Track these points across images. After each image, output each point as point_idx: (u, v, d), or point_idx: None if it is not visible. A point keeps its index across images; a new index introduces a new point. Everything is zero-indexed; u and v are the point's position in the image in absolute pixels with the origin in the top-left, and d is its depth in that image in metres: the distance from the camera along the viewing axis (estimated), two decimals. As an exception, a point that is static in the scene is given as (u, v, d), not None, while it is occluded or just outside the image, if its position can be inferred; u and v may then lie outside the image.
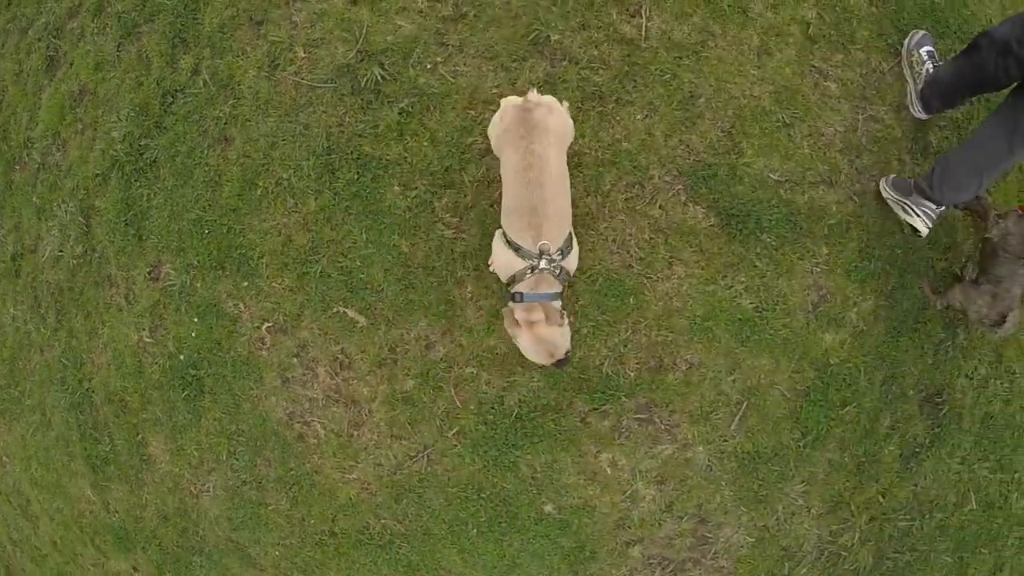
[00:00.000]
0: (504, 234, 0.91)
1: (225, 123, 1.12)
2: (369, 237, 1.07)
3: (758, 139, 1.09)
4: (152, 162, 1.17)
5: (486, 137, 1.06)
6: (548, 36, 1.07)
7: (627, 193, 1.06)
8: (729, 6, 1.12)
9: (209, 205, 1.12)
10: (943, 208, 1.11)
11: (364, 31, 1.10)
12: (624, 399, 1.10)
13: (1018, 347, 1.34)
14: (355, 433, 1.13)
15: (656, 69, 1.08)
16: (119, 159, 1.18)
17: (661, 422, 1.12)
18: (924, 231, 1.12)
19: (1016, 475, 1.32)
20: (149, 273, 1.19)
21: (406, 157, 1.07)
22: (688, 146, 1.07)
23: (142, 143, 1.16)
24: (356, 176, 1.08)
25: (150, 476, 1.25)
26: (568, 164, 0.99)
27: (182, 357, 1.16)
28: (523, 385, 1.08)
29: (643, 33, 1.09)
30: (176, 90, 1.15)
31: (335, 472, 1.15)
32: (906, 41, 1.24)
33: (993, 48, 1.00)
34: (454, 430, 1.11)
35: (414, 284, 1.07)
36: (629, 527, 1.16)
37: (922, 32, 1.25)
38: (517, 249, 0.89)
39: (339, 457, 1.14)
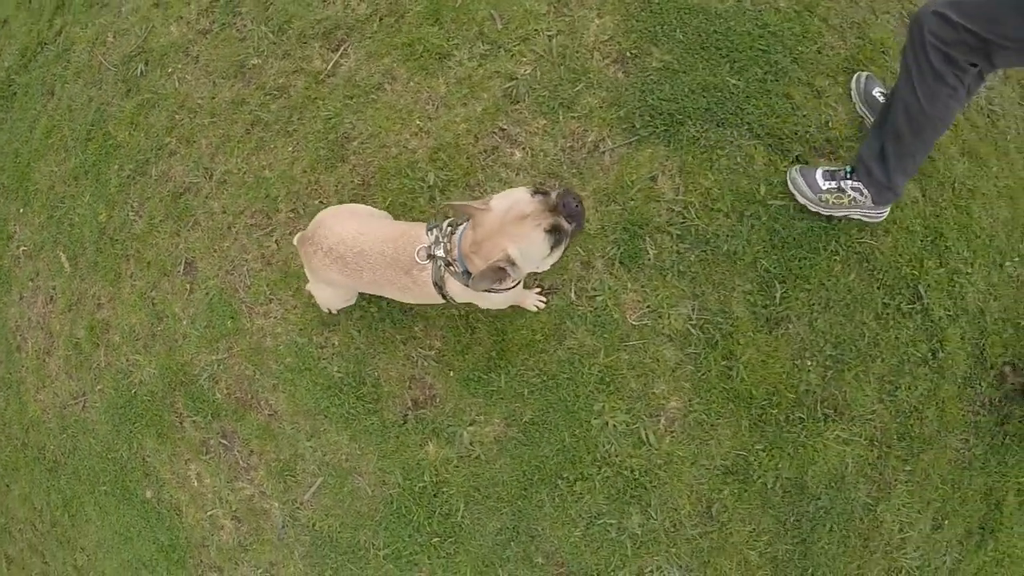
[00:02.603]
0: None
1: (55, 80, 1.75)
2: (89, 200, 1.55)
3: (394, 195, 1.25)
4: (13, 93, 1.86)
5: (182, 142, 1.41)
6: (253, 62, 1.36)
7: (253, 219, 1.32)
8: (426, 51, 1.24)
9: (25, 141, 1.78)
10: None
11: (149, 30, 1.56)
12: (211, 418, 1.33)
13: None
14: (46, 359, 1.63)
15: (324, 105, 1.32)
16: (-4, 84, 1.90)
17: (241, 458, 1.34)
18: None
19: None
20: (-21, 184, 1.89)
21: (128, 142, 1.49)
22: (319, 186, 1.27)
23: (13, 77, 1.88)
24: (99, 148, 1.55)
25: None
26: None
27: (-23, 257, 1.83)
28: (146, 366, 1.42)
29: (329, 68, 1.29)
30: (44, 43, 1.82)
31: (31, 389, 1.68)
32: (853, 86, 1.37)
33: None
34: (99, 386, 1.51)
35: (102, 249, 1.51)
36: (211, 551, 1.38)
37: (867, 73, 1.38)
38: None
39: (35, 376, 1.66)
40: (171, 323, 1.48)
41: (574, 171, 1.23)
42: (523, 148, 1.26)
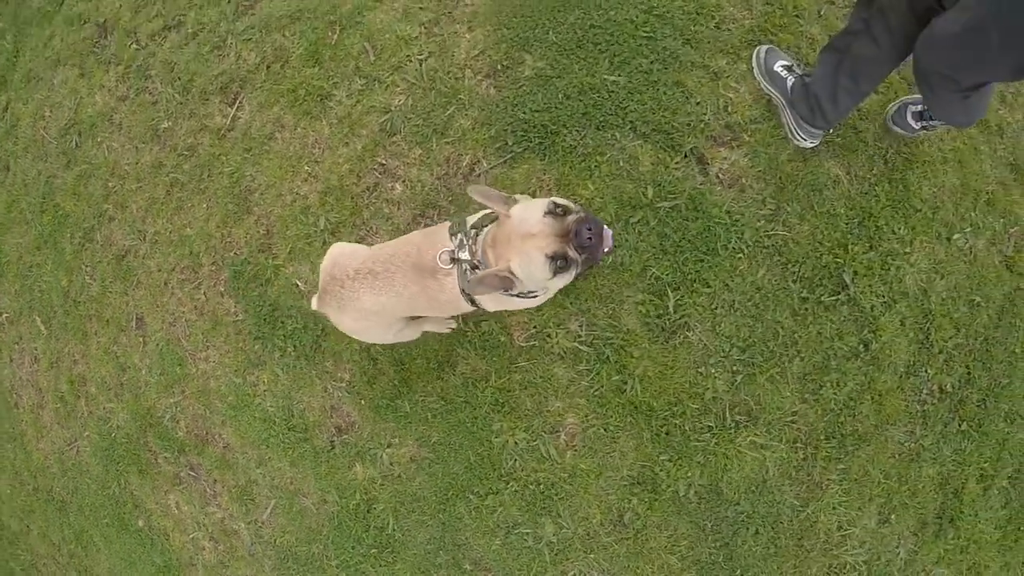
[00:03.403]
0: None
1: (9, 156, 2.27)
2: (51, 268, 2.03)
3: (293, 242, 1.58)
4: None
5: (118, 208, 1.82)
6: (164, 125, 1.73)
7: (182, 275, 1.73)
8: (308, 95, 1.53)
9: (-7, 218, 2.26)
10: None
11: (78, 102, 1.98)
12: (178, 453, 1.79)
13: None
14: (40, 412, 2.17)
15: (227, 161, 1.68)
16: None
17: (207, 487, 1.78)
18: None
19: None
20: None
21: (74, 212, 1.94)
22: (232, 240, 1.64)
23: (-25, 158, 2.39)
24: (52, 219, 2.01)
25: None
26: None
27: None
28: (120, 412, 1.89)
29: (228, 123, 1.62)
30: (-8, 120, 2.32)
31: (32, 439, 2.24)
32: (755, 60, 1.63)
33: None
34: (86, 432, 2.01)
35: (68, 311, 2.00)
36: (199, 569, 1.85)
37: (767, 46, 1.64)
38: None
39: (33, 428, 2.23)
40: (133, 373, 1.99)
41: (451, 198, 1.52)
42: (402, 181, 1.56)
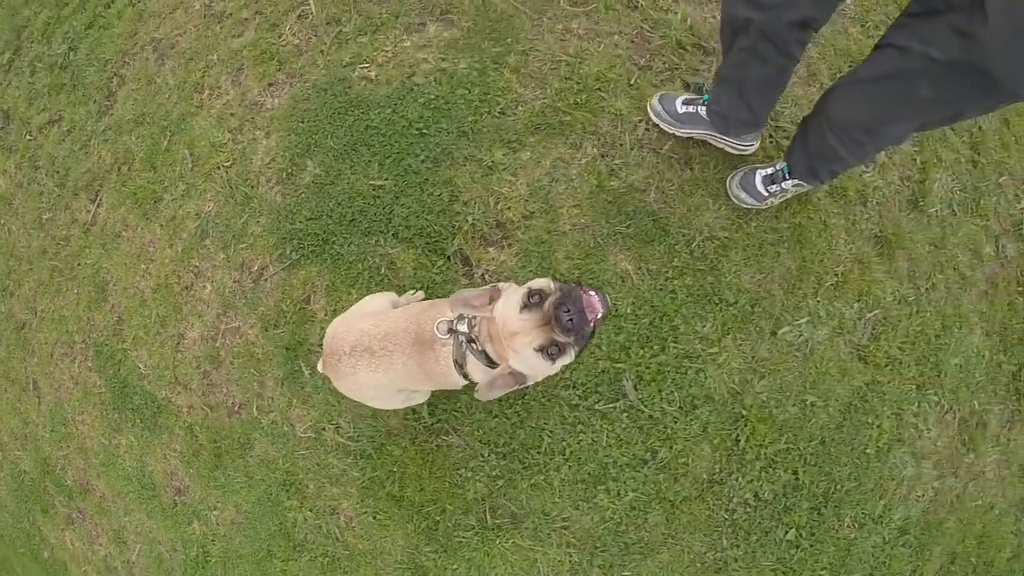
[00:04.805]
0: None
1: None
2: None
3: (136, 330, 2.44)
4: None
5: (16, 284, 2.85)
6: (47, 216, 2.69)
7: (62, 349, 2.69)
8: (145, 197, 2.39)
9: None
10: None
11: None
12: (68, 498, 2.85)
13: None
14: None
15: (89, 253, 2.58)
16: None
17: (92, 528, 2.85)
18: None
19: None
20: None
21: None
22: (94, 323, 2.54)
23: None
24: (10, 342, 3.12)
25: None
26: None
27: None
28: (25, 459, 2.97)
29: (91, 219, 2.53)
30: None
31: None
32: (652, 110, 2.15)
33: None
34: (2, 474, 3.14)
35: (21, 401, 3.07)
36: None
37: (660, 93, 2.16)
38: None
39: None
40: (33, 427, 3.07)
41: (244, 301, 2.30)
42: (211, 282, 2.39)
